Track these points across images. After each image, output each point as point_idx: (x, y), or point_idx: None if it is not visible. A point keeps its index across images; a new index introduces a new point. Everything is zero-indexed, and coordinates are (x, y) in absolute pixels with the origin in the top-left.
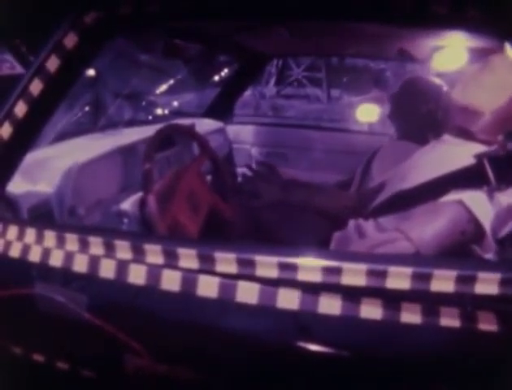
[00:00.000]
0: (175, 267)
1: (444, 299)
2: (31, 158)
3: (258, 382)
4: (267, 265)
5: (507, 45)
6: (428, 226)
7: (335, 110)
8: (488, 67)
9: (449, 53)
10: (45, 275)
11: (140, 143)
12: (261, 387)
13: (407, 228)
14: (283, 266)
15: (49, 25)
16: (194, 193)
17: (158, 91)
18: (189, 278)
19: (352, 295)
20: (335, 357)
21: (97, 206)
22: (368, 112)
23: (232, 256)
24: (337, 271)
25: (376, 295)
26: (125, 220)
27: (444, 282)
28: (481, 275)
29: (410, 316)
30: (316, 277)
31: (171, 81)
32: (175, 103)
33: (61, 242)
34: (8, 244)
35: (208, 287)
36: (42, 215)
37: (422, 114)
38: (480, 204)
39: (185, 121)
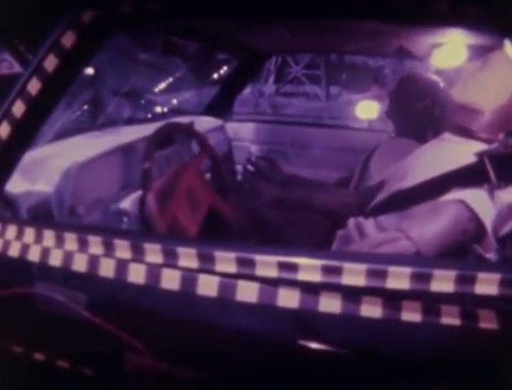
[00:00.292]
0: (174, 266)
1: (443, 299)
2: (30, 157)
3: (258, 381)
4: (267, 264)
5: (507, 43)
6: (429, 225)
7: (334, 107)
8: (488, 64)
9: (448, 50)
10: (45, 274)
11: (139, 141)
12: (261, 386)
13: (407, 228)
14: (282, 266)
15: (48, 24)
16: (194, 192)
17: (157, 89)
18: (189, 277)
19: (351, 294)
20: (335, 355)
21: (97, 205)
22: (368, 109)
23: (231, 255)
24: (337, 271)
25: (376, 294)
26: (125, 219)
27: (443, 282)
28: (481, 275)
29: (410, 315)
30: (316, 276)
31: (171, 79)
32: (175, 101)
33: (60, 241)
34: (7, 244)
35: (208, 286)
36: (42, 215)
37: (419, 111)
38: (482, 202)
39: (184, 119)
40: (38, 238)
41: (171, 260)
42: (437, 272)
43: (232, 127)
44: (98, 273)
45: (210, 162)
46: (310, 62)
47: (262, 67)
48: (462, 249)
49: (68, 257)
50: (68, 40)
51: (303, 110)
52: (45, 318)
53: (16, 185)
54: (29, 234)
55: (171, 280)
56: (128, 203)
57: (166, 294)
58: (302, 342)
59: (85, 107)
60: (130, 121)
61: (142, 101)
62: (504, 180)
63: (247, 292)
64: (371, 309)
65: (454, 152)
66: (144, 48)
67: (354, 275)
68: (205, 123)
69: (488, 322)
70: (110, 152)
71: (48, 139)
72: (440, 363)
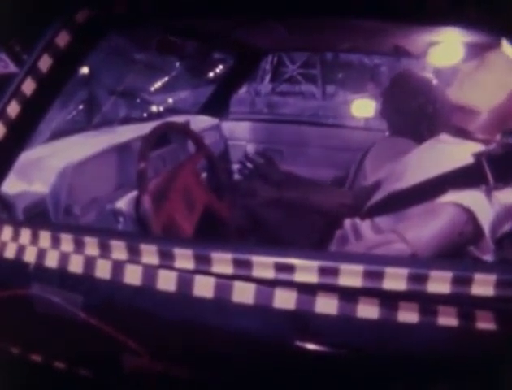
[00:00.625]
0: (170, 267)
1: (440, 299)
2: (25, 157)
3: (254, 382)
4: (263, 265)
5: (504, 42)
6: (425, 227)
7: (330, 106)
8: (484, 64)
9: (445, 48)
10: (41, 275)
11: (135, 141)
12: (258, 386)
13: (403, 230)
14: (279, 267)
15: (42, 24)
16: (189, 192)
17: (152, 88)
18: (185, 278)
19: (348, 295)
20: (332, 356)
21: (93, 205)
22: (364, 107)
23: (228, 256)
24: (333, 272)
25: (373, 295)
26: (120, 219)
27: (440, 283)
28: (477, 276)
29: (407, 316)
30: (312, 277)
31: (166, 78)
32: (170, 100)
33: (56, 242)
34: (3, 245)
35: (204, 287)
36: (38, 215)
37: (413, 109)
38: (479, 204)
39: (180, 118)
40: (34, 239)
41: (167, 261)
42: (434, 273)
43: (228, 127)
44: (95, 274)
45: (206, 162)
46: (306, 61)
47: (258, 66)
48: (458, 251)
49: (64, 258)
50: (63, 40)
51: (299, 110)
52: (42, 320)
53: (12, 186)
54: (25, 235)
55: (167, 281)
56: (123, 203)
57: (162, 295)
58: (299, 343)
59: (81, 107)
60: (126, 120)
61: (138, 101)
62: (502, 181)
63: (243, 293)
64: (368, 310)
65: (451, 153)
66: (139, 47)
67: (351, 276)
68: (201, 122)
69: (484, 322)
70: (106, 151)
71: (44, 139)
72: (437, 364)
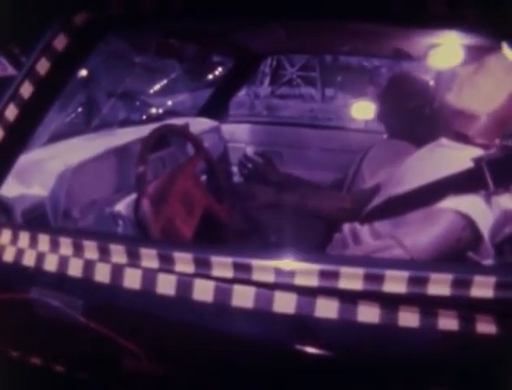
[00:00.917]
0: (170, 271)
1: (440, 302)
2: (24, 160)
3: (254, 385)
4: (263, 269)
5: (504, 45)
6: (423, 233)
7: (330, 109)
8: (482, 68)
9: (445, 51)
10: (40, 279)
11: (134, 144)
12: None
13: (401, 235)
14: (279, 271)
15: (40, 26)
16: (189, 195)
17: (152, 91)
18: (185, 282)
19: (349, 299)
20: (331, 360)
21: (92, 208)
22: (364, 109)
23: (227, 260)
24: (334, 275)
25: (373, 299)
26: (120, 222)
27: (440, 285)
28: (477, 278)
29: (407, 319)
30: (312, 281)
31: (165, 81)
32: (170, 103)
33: (55, 246)
34: (2, 249)
35: (204, 291)
36: (36, 218)
37: (409, 111)
38: (478, 209)
39: (180, 121)
40: (33, 243)
41: (166, 265)
42: (434, 276)
43: (227, 129)
44: (94, 278)
45: (206, 164)
46: (306, 64)
47: (258, 69)
48: (457, 257)
49: (63, 262)
50: (60, 43)
51: (299, 112)
52: (41, 323)
53: (10, 189)
54: (24, 239)
55: (167, 285)
56: (122, 206)
57: (162, 299)
58: (299, 347)
59: (80, 109)
60: (125, 123)
61: (137, 103)
62: (502, 186)
63: (243, 297)
64: (368, 314)
65: (451, 157)
66: (138, 50)
67: (351, 280)
68: (200, 124)
69: (485, 325)
70: (105, 154)
71: (42, 142)
72: (437, 367)
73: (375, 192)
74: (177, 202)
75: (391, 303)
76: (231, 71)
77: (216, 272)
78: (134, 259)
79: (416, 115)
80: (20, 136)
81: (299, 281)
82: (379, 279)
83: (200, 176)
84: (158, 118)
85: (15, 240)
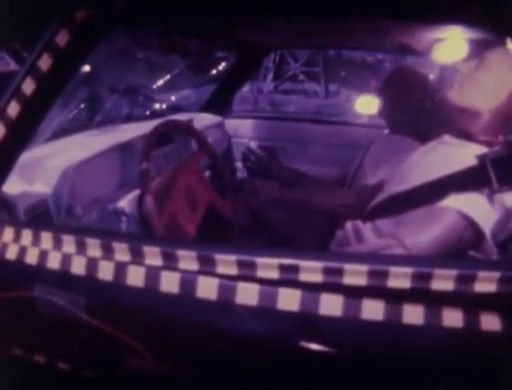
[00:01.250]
0: (174, 269)
1: (444, 297)
2: (27, 156)
3: (259, 383)
4: (267, 266)
5: (509, 40)
6: (423, 233)
7: (333, 104)
8: (484, 64)
9: (449, 45)
10: (43, 277)
11: (137, 140)
12: (262, 388)
13: (402, 235)
14: (283, 268)
15: (42, 23)
16: (192, 191)
17: (155, 86)
18: (189, 279)
19: (353, 296)
20: (336, 357)
21: (95, 205)
22: (368, 104)
23: (231, 257)
24: (338, 272)
25: (377, 295)
26: (123, 219)
27: (444, 281)
28: (481, 273)
29: (412, 315)
30: (317, 278)
31: (169, 77)
32: (173, 98)
33: (58, 244)
34: (5, 246)
35: (208, 288)
36: (39, 216)
37: (409, 105)
38: (481, 208)
39: (183, 116)
40: (36, 240)
41: (170, 262)
42: (438, 271)
43: (231, 124)
44: (97, 276)
45: (209, 160)
46: (309, 60)
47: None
48: (459, 256)
49: (67, 259)
50: (63, 39)
51: (302, 108)
52: (45, 321)
53: (13, 186)
54: (27, 236)
55: (170, 283)
56: (126, 203)
57: (166, 297)
58: (303, 344)
59: (83, 105)
60: (128, 119)
61: (140, 99)
62: (506, 184)
63: (247, 295)
64: (373, 310)
65: (454, 155)
66: (141, 46)
67: (355, 276)
68: (204, 119)
69: (489, 320)
70: (108, 151)
71: (45, 138)
72: (442, 363)
73: (379, 189)
74: (181, 198)
75: (395, 299)
76: (234, 67)
77: (220, 269)
78: (137, 257)
79: (416, 110)
80: (22, 133)
81: (303, 278)
82: (384, 275)
83: (204, 172)
84: (161, 113)
85: (17, 237)
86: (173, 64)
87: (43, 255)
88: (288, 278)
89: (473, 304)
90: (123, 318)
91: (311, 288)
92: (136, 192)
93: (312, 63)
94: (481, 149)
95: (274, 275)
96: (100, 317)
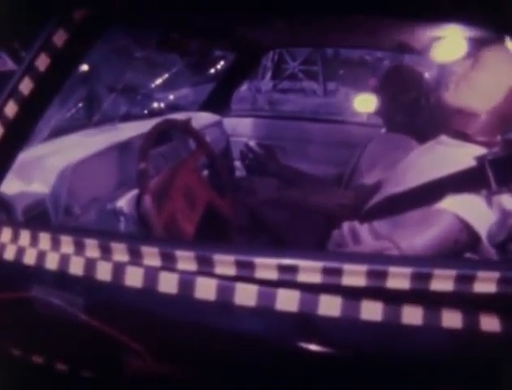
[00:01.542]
0: (172, 269)
1: (444, 298)
2: (25, 156)
3: (258, 383)
4: (266, 267)
5: (507, 38)
6: (419, 236)
7: (332, 102)
8: (479, 64)
9: (448, 43)
10: (41, 277)
11: (135, 139)
12: (261, 388)
13: (398, 237)
14: (282, 268)
15: (40, 22)
16: (191, 190)
17: (153, 85)
18: (187, 280)
19: (352, 296)
20: (335, 358)
21: (93, 205)
22: (366, 103)
23: (230, 258)
24: (337, 272)
25: (376, 295)
26: (121, 218)
27: (443, 281)
28: (480, 274)
29: (411, 315)
30: (315, 278)
31: (167, 75)
32: (172, 97)
33: (56, 244)
34: (3, 247)
35: (206, 289)
36: (37, 216)
37: (405, 104)
38: (477, 210)
39: (181, 115)
40: (34, 241)
41: (168, 263)
42: (437, 271)
43: (229, 123)
44: (95, 276)
45: (207, 159)
46: (307, 58)
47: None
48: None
49: (65, 260)
50: (60, 38)
51: (301, 106)
52: (43, 322)
53: (11, 186)
54: (25, 237)
55: (169, 283)
56: (124, 202)
57: (164, 297)
58: (302, 344)
59: (81, 105)
60: (126, 118)
61: (138, 98)
62: (504, 185)
63: (246, 295)
64: (372, 311)
65: (451, 155)
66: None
67: (354, 277)
68: (202, 118)
69: (489, 320)
70: (106, 150)
71: (43, 137)
72: (441, 363)
73: (376, 189)
74: (179, 198)
75: (394, 300)
76: (232, 66)
77: (218, 270)
78: (136, 257)
79: (412, 108)
80: (20, 133)
81: (302, 278)
82: (383, 275)
83: (202, 171)
84: (159, 112)
85: (15, 238)
86: (171, 63)
87: (41, 255)
88: (287, 278)
89: (472, 304)
90: (122, 318)
91: (310, 289)
92: (134, 192)
93: (310, 62)
94: (479, 150)
95: (272, 275)
96: (98, 317)
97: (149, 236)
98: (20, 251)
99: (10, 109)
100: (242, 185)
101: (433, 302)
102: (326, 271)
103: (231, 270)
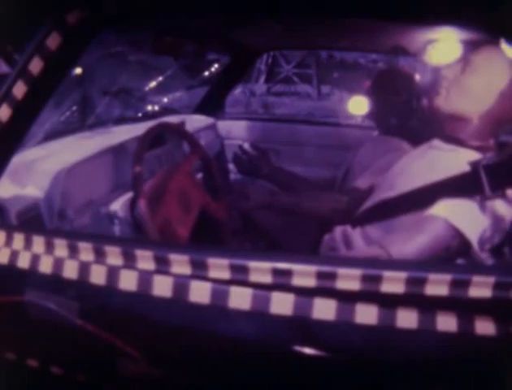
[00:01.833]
0: (166, 273)
1: (438, 303)
2: (18, 159)
3: (252, 387)
4: (261, 270)
5: (502, 41)
6: (409, 242)
7: (326, 105)
8: (471, 68)
9: (443, 46)
10: (35, 281)
11: (129, 142)
12: None
13: (389, 244)
14: (276, 272)
15: (33, 25)
16: (185, 193)
17: (147, 88)
18: (181, 283)
19: (346, 300)
20: (329, 362)
21: (88, 208)
22: (360, 105)
23: (224, 261)
24: (331, 276)
25: (371, 299)
26: (116, 222)
27: (438, 286)
28: (475, 278)
29: (405, 319)
30: (310, 282)
31: (161, 78)
32: (166, 100)
33: (50, 248)
34: None
35: (200, 292)
36: (31, 219)
37: (396, 106)
38: (469, 216)
39: (176, 118)
40: (28, 245)
41: (163, 267)
42: (432, 276)
43: (224, 126)
44: (90, 280)
45: (202, 163)
46: (301, 62)
47: (254, 65)
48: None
49: (59, 263)
50: (53, 41)
51: (295, 110)
52: (37, 326)
53: (5, 190)
54: (18, 240)
55: (163, 287)
56: (118, 206)
57: (158, 301)
58: (297, 348)
59: (75, 107)
60: (121, 120)
61: (132, 101)
62: (498, 190)
63: (240, 299)
64: (367, 315)
65: (444, 160)
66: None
67: (349, 281)
68: (196, 121)
69: (483, 325)
70: (100, 153)
71: (37, 141)
72: (435, 368)
73: (369, 194)
74: (173, 201)
75: (389, 304)
76: (227, 69)
77: (213, 274)
78: (130, 261)
79: (403, 110)
80: (14, 136)
81: (296, 282)
82: (377, 279)
83: (196, 174)
84: (153, 115)
85: (9, 241)
86: (166, 66)
87: (35, 259)
88: (282, 282)
89: (467, 309)
90: (116, 322)
91: (305, 293)
92: (128, 196)
93: (304, 65)
94: (472, 154)
95: (267, 279)
96: (92, 321)
97: (144, 239)
98: (14, 255)
99: (4, 112)
100: (236, 189)
101: (428, 307)
102: (320, 275)
103: (225, 274)
